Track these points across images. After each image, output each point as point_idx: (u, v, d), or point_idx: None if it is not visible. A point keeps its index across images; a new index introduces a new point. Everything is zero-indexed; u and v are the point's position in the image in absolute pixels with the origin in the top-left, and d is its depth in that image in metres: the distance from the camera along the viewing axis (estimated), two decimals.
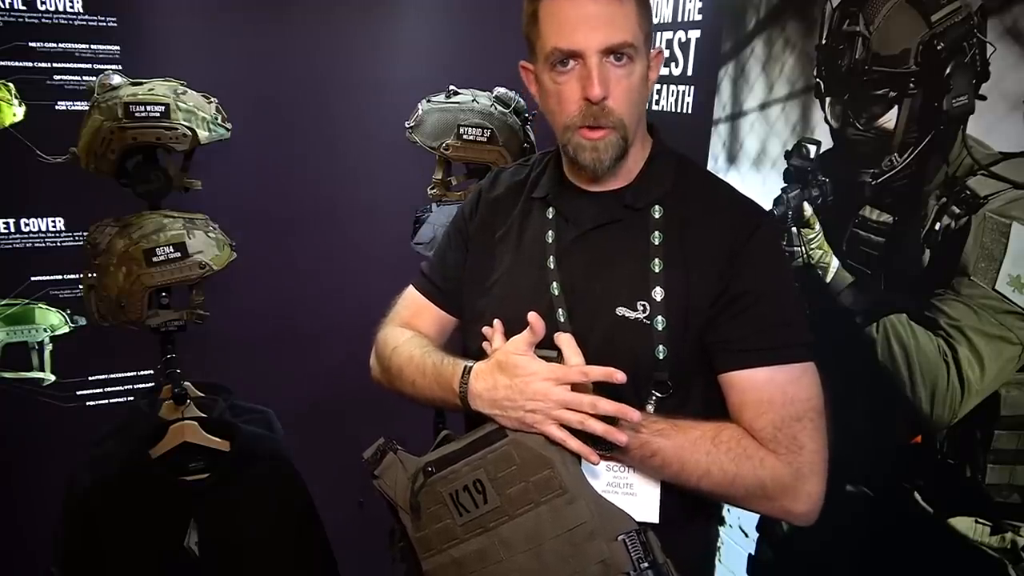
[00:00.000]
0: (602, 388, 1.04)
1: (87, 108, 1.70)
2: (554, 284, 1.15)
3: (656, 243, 1.12)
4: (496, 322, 1.14)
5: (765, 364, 1.06)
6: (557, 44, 1.06)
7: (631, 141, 1.11)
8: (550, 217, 1.20)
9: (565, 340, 1.06)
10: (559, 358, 1.05)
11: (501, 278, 1.22)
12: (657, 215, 1.13)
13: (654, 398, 1.09)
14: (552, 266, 1.16)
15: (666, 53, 2.08)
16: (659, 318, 1.09)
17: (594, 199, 1.16)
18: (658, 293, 1.10)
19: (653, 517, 1.08)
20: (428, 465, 1.07)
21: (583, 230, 1.16)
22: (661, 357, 1.09)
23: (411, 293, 1.35)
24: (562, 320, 1.12)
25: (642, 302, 1.10)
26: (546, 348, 1.07)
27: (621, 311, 1.11)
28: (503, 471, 1.03)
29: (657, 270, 1.10)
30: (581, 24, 1.04)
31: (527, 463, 1.03)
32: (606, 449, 1.04)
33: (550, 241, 1.18)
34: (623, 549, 1.02)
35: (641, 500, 1.09)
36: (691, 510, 1.12)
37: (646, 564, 1.01)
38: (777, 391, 1.06)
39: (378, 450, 1.12)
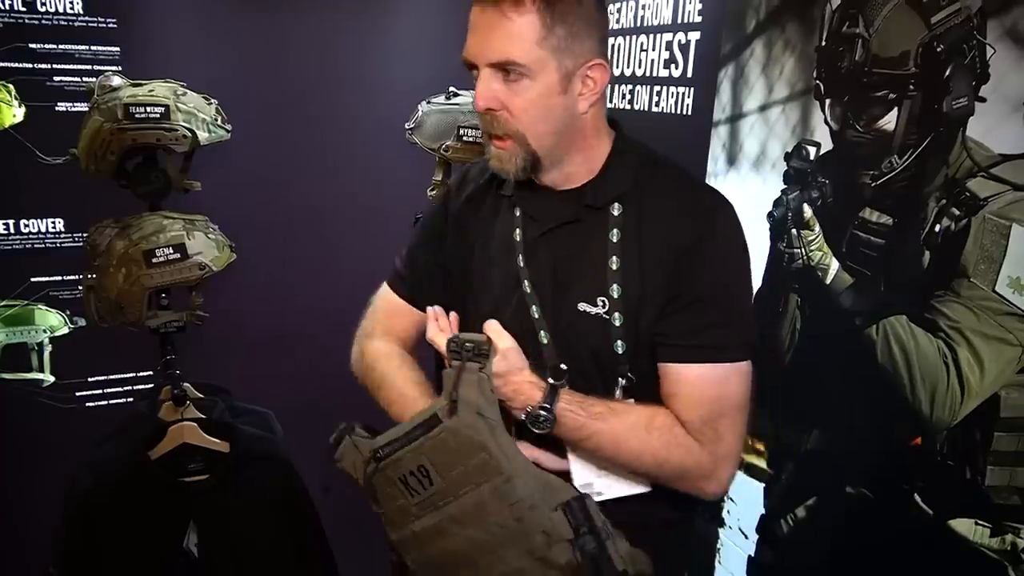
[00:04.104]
0: (571, 375, 1.12)
1: (87, 109, 1.70)
2: (525, 282, 1.19)
3: (614, 240, 1.15)
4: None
5: (698, 361, 1.12)
6: (463, 52, 1.11)
7: (545, 152, 1.14)
8: (517, 215, 1.23)
9: (493, 327, 1.14)
10: (488, 343, 1.10)
11: (476, 276, 1.26)
12: (616, 212, 1.17)
13: (620, 388, 1.15)
14: (522, 263, 1.20)
15: (667, 53, 2.09)
16: (616, 314, 1.14)
17: (556, 197, 1.20)
18: (615, 290, 1.14)
19: (646, 487, 1.17)
20: (376, 452, 1.12)
21: (545, 228, 1.20)
22: (620, 352, 1.14)
23: (387, 294, 1.38)
24: (537, 316, 1.18)
25: (601, 298, 1.15)
26: (532, 360, 1.14)
27: (582, 307, 1.15)
28: (442, 456, 1.08)
29: (615, 267, 1.14)
30: (473, 35, 1.09)
31: (463, 448, 1.07)
32: (544, 429, 1.10)
33: (518, 239, 1.22)
34: (563, 518, 1.06)
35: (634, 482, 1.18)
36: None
37: (585, 529, 1.05)
38: (707, 388, 1.12)
39: (338, 434, 1.17)
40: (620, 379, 1.15)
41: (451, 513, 1.09)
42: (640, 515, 1.16)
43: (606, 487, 1.18)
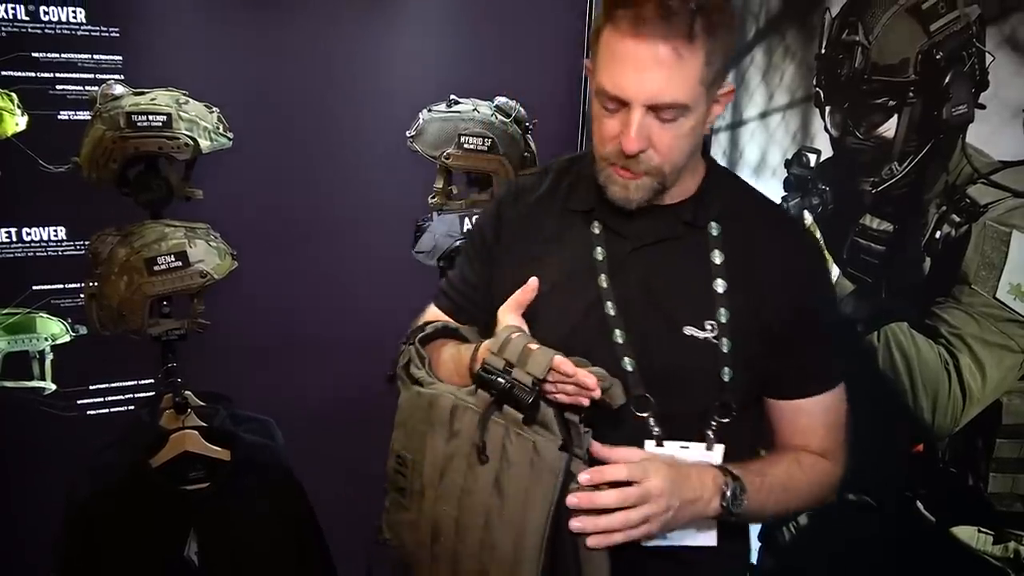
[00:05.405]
0: (660, 403, 1.07)
1: (89, 118, 1.70)
2: (608, 303, 1.10)
3: (717, 262, 1.09)
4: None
5: (828, 390, 1.15)
6: (604, 84, 1.00)
7: (671, 183, 1.07)
8: (597, 232, 1.14)
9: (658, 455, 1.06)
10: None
11: (545, 299, 1.13)
12: (715, 232, 1.11)
13: (715, 422, 1.09)
14: (605, 284, 1.11)
15: None
16: (725, 339, 1.07)
17: (650, 213, 1.10)
18: (723, 314, 1.07)
19: (712, 541, 1.12)
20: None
21: (639, 245, 1.11)
22: (727, 379, 1.08)
23: (434, 313, 1.30)
24: (620, 342, 1.09)
25: (709, 322, 1.08)
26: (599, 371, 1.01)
27: (689, 331, 1.08)
28: None
29: (721, 290, 1.08)
30: (633, 73, 0.98)
31: None
32: (738, 508, 1.04)
33: (600, 258, 1.13)
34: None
35: (703, 533, 1.12)
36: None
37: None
38: (837, 412, 1.17)
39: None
40: (718, 408, 1.08)
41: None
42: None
43: (677, 534, 1.10)
